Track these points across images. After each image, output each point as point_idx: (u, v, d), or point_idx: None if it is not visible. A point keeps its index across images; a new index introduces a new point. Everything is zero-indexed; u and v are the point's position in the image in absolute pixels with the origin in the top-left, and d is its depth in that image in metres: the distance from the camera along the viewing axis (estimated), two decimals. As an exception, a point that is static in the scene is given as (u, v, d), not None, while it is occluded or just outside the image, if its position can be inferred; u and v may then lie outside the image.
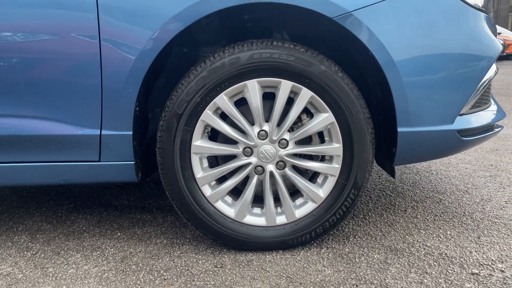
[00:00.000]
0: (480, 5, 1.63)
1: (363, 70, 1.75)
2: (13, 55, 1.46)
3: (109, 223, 1.94)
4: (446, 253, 1.62)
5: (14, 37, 1.45)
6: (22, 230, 1.89)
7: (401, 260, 1.58)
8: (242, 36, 1.80)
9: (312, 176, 1.72)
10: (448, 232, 1.79)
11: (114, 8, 1.43)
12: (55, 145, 1.52)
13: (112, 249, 1.70)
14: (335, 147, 1.58)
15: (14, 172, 1.56)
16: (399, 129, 1.54)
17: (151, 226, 1.90)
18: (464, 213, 1.98)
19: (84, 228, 1.90)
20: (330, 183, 1.61)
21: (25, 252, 1.69)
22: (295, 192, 1.70)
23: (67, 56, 1.46)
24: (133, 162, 1.56)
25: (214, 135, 1.67)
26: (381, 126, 1.73)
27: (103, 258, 1.63)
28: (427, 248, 1.66)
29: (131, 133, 1.52)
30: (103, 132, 1.52)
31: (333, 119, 1.55)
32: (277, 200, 1.65)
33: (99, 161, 1.55)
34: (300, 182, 1.61)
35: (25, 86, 1.47)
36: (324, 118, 1.55)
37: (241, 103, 1.61)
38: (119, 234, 1.84)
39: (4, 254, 1.68)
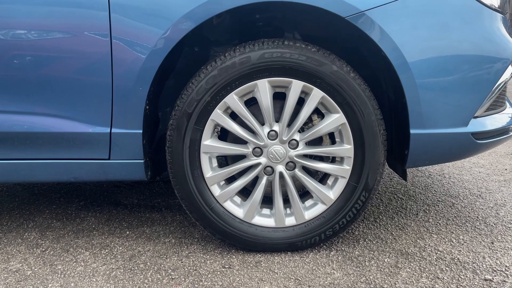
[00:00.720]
0: (496, 6, 1.60)
1: (375, 71, 1.73)
2: (25, 52, 1.47)
3: (118, 222, 1.95)
4: (458, 258, 1.59)
5: (27, 35, 1.46)
6: (32, 227, 1.90)
7: (412, 264, 1.55)
8: (254, 36, 1.79)
9: (322, 177, 1.71)
10: (461, 237, 1.76)
11: (126, 6, 1.43)
12: (66, 142, 1.52)
13: (120, 248, 1.70)
14: (346, 149, 1.56)
15: (25, 169, 1.57)
16: (411, 131, 1.52)
17: (160, 225, 1.90)
18: (477, 217, 1.95)
19: (93, 226, 1.91)
20: (341, 185, 1.59)
21: (34, 249, 1.70)
22: (304, 193, 1.68)
23: (79, 54, 1.46)
24: (143, 161, 1.56)
25: (224, 134, 1.66)
26: (393, 128, 1.70)
27: (112, 256, 1.63)
28: (439, 252, 1.63)
29: (141, 131, 1.52)
30: (113, 130, 1.52)
31: (344, 120, 1.53)
32: (286, 201, 1.64)
33: (109, 159, 1.56)
34: (310, 183, 1.59)
35: (37, 84, 1.48)
36: (335, 119, 1.53)
37: (251, 103, 1.60)
38: (128, 232, 1.84)
39: (14, 250, 1.69)
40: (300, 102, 1.55)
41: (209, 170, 1.58)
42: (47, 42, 1.46)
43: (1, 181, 1.63)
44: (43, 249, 1.70)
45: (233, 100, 1.51)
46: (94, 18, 1.44)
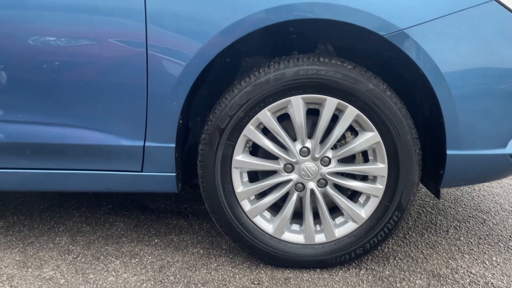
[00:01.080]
0: (541, 23, 1.53)
1: (410, 88, 1.69)
2: (61, 63, 1.48)
3: (146, 228, 1.97)
4: (492, 283, 1.56)
5: (59, 43, 1.46)
6: (63, 231, 1.93)
7: (444, 287, 1.53)
8: (286, 47, 1.77)
9: (351, 194, 1.68)
10: (494, 258, 1.72)
11: (164, 19, 1.43)
12: (100, 154, 1.54)
13: (150, 257, 1.72)
14: (379, 167, 1.53)
15: (59, 178, 1.59)
16: (448, 152, 1.48)
17: (188, 234, 1.91)
18: (510, 237, 1.90)
19: (122, 232, 1.93)
20: (373, 203, 1.56)
21: (66, 255, 1.73)
22: (334, 209, 1.66)
23: (114, 67, 1.47)
24: (175, 174, 1.56)
25: (255, 149, 1.65)
26: (428, 147, 1.67)
27: (142, 267, 1.65)
28: (471, 275, 1.60)
29: (174, 145, 1.53)
30: (147, 143, 1.53)
31: (379, 138, 1.50)
32: (315, 215, 1.62)
33: (141, 171, 1.57)
34: (342, 201, 1.57)
35: (73, 96, 1.50)
36: (370, 137, 1.51)
37: (284, 118, 1.58)
38: (156, 240, 1.85)
39: (46, 256, 1.73)
40: (333, 119, 1.53)
41: (240, 185, 1.57)
42: (83, 52, 1.46)
43: (35, 189, 1.66)
44: (75, 256, 1.73)
45: (266, 116, 1.50)
46: (131, 29, 1.44)
